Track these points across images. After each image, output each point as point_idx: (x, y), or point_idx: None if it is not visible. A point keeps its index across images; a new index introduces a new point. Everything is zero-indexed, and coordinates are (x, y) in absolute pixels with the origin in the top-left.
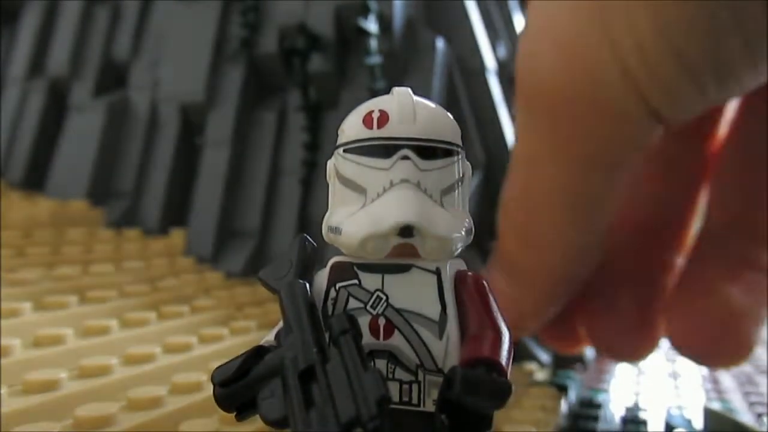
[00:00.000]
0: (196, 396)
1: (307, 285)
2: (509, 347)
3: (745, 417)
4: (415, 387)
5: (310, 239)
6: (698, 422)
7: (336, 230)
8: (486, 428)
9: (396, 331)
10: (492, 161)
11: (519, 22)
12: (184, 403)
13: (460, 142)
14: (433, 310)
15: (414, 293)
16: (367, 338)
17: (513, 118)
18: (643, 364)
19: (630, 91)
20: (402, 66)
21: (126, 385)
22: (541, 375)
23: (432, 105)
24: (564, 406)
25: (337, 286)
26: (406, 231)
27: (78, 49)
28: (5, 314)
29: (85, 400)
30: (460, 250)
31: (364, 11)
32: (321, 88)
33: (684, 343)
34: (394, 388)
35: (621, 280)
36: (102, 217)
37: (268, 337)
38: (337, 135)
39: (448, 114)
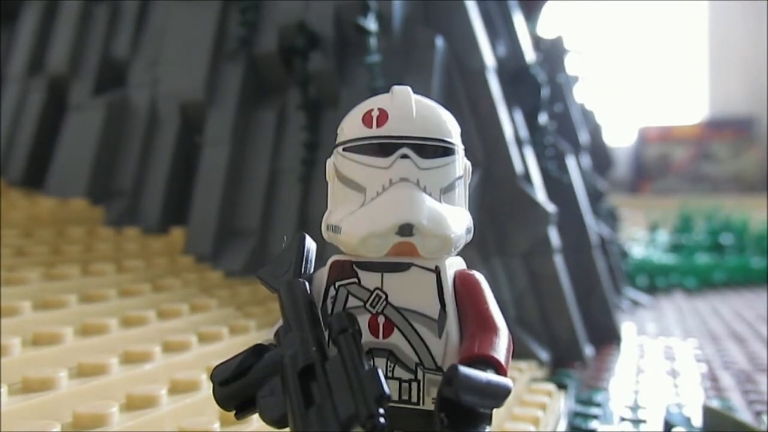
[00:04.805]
0: (196, 395)
1: (307, 284)
2: (508, 346)
3: (744, 415)
4: (414, 385)
5: (309, 238)
6: (697, 420)
7: (335, 229)
8: (485, 426)
9: (395, 330)
10: (491, 159)
11: (518, 20)
12: (183, 402)
13: (459, 141)
14: (433, 309)
15: (413, 292)
16: (366, 337)
17: (511, 115)
18: (642, 362)
19: None
20: (401, 64)
21: (125, 384)
22: (540, 373)
23: (431, 103)
24: (563, 404)
25: (337, 285)
26: (405, 230)
27: (77, 48)
28: (5, 313)
29: (84, 399)
30: (460, 248)
31: (364, 10)
32: (320, 86)
33: None
34: (393, 387)
35: None
36: (102, 215)
37: (268, 336)
38: (337, 134)
39: (448, 112)
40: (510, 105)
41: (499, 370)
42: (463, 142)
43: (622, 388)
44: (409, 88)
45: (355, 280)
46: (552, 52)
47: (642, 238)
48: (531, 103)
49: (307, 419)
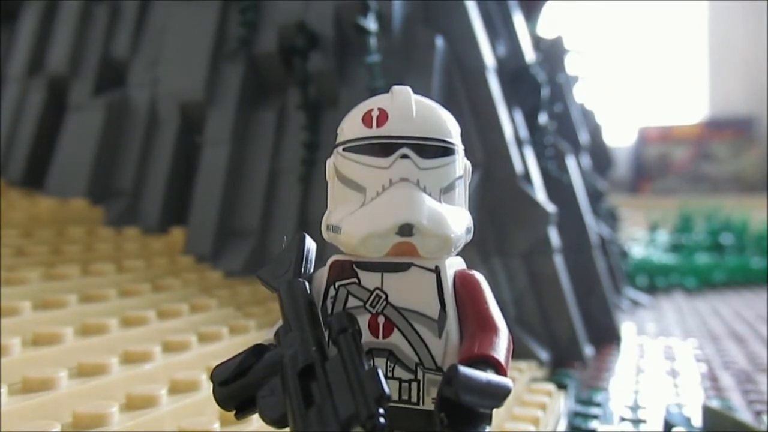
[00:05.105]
0: (196, 395)
1: (307, 284)
2: (508, 346)
3: (744, 415)
4: (414, 385)
5: (309, 238)
6: (697, 420)
7: (335, 229)
8: (485, 426)
9: (395, 330)
10: (491, 159)
11: (518, 20)
12: (183, 402)
13: (459, 141)
14: (433, 309)
15: (413, 292)
16: (366, 336)
17: (511, 115)
18: (642, 362)
19: None
20: (401, 64)
21: (125, 384)
22: (540, 373)
23: (431, 103)
24: (563, 404)
25: (337, 285)
26: (405, 230)
27: (77, 48)
28: (5, 313)
29: (84, 399)
30: (460, 248)
31: (364, 10)
32: (320, 86)
33: None
34: (393, 387)
35: None
36: (102, 215)
37: (268, 336)
38: (337, 134)
39: (448, 113)
40: (510, 105)
41: (499, 370)
42: (463, 142)
43: (622, 388)
44: (409, 88)
45: (355, 280)
46: (552, 52)
47: (642, 238)
48: (531, 103)
49: (307, 419)
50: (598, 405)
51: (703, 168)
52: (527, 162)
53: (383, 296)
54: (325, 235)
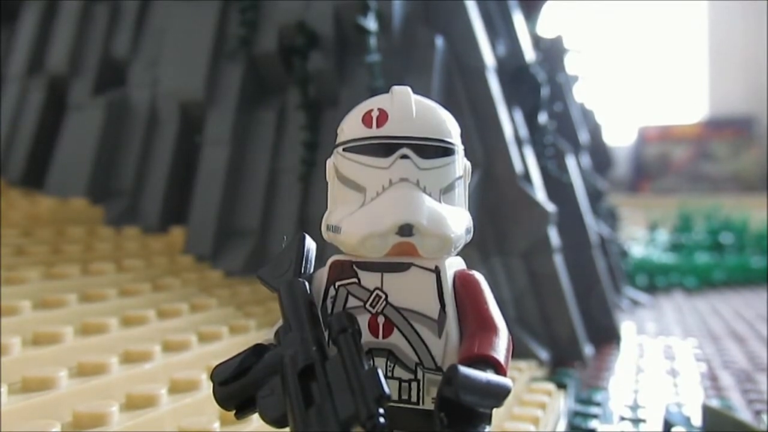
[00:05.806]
0: (196, 394)
1: (307, 283)
2: (508, 345)
3: (744, 414)
4: (414, 385)
5: (309, 238)
6: (697, 420)
7: (335, 229)
8: (485, 426)
9: (395, 330)
10: (491, 159)
11: (518, 20)
12: (183, 402)
13: (459, 141)
14: (433, 309)
15: (413, 292)
16: (366, 336)
17: (511, 115)
18: (642, 361)
19: None
20: (401, 64)
21: (125, 384)
22: (540, 373)
23: (431, 104)
24: (563, 404)
25: (337, 285)
26: (405, 230)
27: (77, 47)
28: (5, 313)
29: (84, 399)
30: (459, 248)
31: (364, 10)
32: (320, 86)
33: None
34: (393, 387)
35: None
36: (102, 215)
37: (268, 336)
38: (337, 134)
39: (448, 113)
40: (510, 105)
41: (499, 369)
42: (463, 142)
43: (621, 387)
44: (408, 89)
45: (355, 280)
46: (552, 52)
47: (642, 237)
48: (531, 103)
49: (307, 419)
50: (597, 404)
51: (703, 167)
52: (527, 162)
53: (383, 296)
54: (325, 235)
